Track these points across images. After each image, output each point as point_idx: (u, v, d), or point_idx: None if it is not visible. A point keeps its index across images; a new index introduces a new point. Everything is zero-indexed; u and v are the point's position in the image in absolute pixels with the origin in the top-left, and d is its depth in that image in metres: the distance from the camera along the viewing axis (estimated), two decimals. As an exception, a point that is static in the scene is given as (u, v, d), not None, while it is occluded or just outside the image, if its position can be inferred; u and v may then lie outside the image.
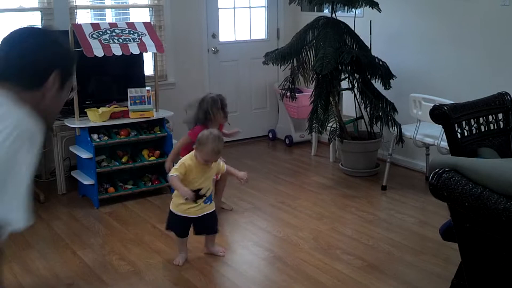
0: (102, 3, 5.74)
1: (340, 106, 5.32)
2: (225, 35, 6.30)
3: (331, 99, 5.07)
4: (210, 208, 3.67)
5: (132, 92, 4.78)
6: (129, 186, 4.78)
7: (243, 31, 6.43)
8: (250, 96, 6.53)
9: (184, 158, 3.65)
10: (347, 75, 5.15)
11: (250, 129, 6.56)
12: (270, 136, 6.65)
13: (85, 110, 4.71)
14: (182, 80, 5.95)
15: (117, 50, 4.58)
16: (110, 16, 5.84)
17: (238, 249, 3.95)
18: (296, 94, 5.44)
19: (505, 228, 2.01)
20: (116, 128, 4.72)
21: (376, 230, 4.12)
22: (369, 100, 5.03)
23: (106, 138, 4.66)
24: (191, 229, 3.68)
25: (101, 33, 4.64)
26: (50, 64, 1.60)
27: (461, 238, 2.35)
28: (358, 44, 5.05)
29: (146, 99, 4.79)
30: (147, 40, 4.80)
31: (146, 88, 4.92)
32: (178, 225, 3.64)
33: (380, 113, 4.96)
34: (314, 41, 5.04)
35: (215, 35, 6.18)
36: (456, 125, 2.54)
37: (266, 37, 6.52)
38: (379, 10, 4.92)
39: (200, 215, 3.61)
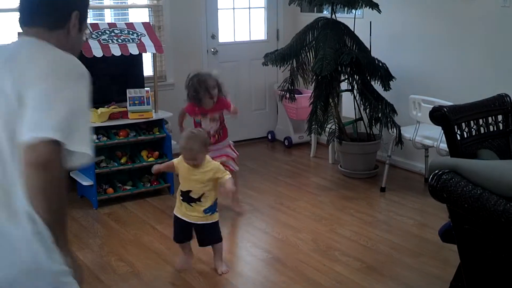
0: (101, 3, 5.73)
1: (339, 107, 5.32)
2: (225, 36, 6.30)
3: (330, 100, 5.07)
4: (211, 219, 3.50)
5: (131, 92, 4.77)
6: (128, 187, 4.77)
7: (243, 32, 6.43)
8: (249, 97, 6.53)
9: None
10: (346, 77, 5.15)
11: (249, 130, 6.55)
12: (269, 137, 6.65)
13: (84, 111, 4.69)
14: (181, 81, 5.89)
15: (116, 51, 4.57)
16: (109, 16, 5.83)
17: (237, 250, 3.95)
18: (296, 95, 5.44)
19: (504, 229, 2.00)
20: (115, 128, 4.72)
21: (375, 231, 4.12)
22: (368, 102, 5.03)
23: (105, 138, 4.65)
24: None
25: (100, 33, 4.63)
26: (71, 4, 1.77)
27: (460, 239, 2.34)
28: (358, 45, 5.05)
29: (145, 100, 4.79)
30: (146, 40, 4.79)
31: (145, 88, 4.92)
32: (174, 227, 3.61)
33: (380, 115, 4.95)
34: (313, 42, 5.03)
35: (214, 36, 6.18)
36: (455, 126, 2.54)
37: (266, 38, 6.52)
38: (379, 11, 4.92)
39: (199, 223, 3.48)
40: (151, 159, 4.82)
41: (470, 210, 2.08)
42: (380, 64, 4.95)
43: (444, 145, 4.01)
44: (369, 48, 5.11)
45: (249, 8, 6.42)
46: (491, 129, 2.69)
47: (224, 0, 6.21)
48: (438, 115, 2.55)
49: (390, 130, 4.91)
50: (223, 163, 4.33)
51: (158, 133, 4.85)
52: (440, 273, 3.45)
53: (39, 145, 1.47)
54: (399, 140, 4.83)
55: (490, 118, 2.69)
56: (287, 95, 5.34)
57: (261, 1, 6.48)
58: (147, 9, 5.81)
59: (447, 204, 2.24)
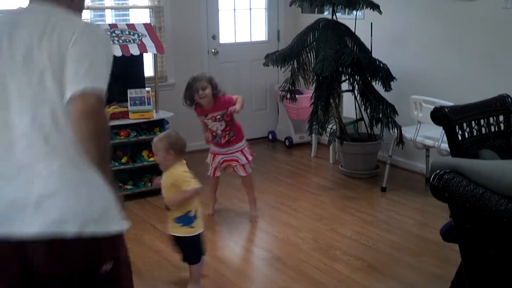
0: (102, 4, 5.74)
1: (340, 107, 5.33)
2: (225, 36, 6.31)
3: (331, 100, 5.08)
4: (186, 232, 3.24)
5: (132, 93, 4.78)
6: (129, 187, 4.78)
7: (244, 32, 6.44)
8: (250, 97, 6.53)
9: None
10: (347, 77, 5.16)
11: (250, 131, 6.53)
12: (270, 137, 6.66)
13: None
14: (182, 81, 5.89)
15: (117, 51, 4.58)
16: (110, 17, 5.84)
17: (238, 250, 3.96)
18: (296, 95, 5.44)
19: (506, 229, 2.01)
20: (116, 128, 4.72)
21: (376, 231, 4.13)
22: (369, 102, 5.04)
23: (106, 138, 4.65)
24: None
25: (101, 33, 4.63)
26: None
27: (461, 239, 2.35)
28: (359, 46, 5.06)
29: (146, 100, 4.80)
30: (147, 41, 4.80)
31: (146, 89, 4.93)
32: None
33: (380, 115, 4.96)
34: (314, 43, 5.04)
35: (215, 37, 6.19)
36: (457, 127, 2.55)
37: (267, 39, 6.53)
38: (380, 12, 4.92)
39: (175, 235, 3.28)
40: (151, 159, 4.82)
41: (471, 209, 2.08)
42: (381, 65, 4.96)
43: (445, 145, 4.01)
44: (370, 48, 5.11)
45: (250, 9, 6.43)
46: (492, 129, 2.70)
47: (225, 1, 6.22)
48: (439, 116, 2.56)
49: (391, 130, 4.92)
50: (232, 168, 4.36)
51: (159, 133, 4.84)
52: (441, 273, 3.45)
53: (87, 96, 1.70)
54: (400, 140, 4.83)
55: (491, 119, 2.70)
56: (288, 96, 5.35)
57: (262, 2, 6.49)
58: (148, 10, 5.81)
59: (448, 203, 2.25)
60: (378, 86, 5.05)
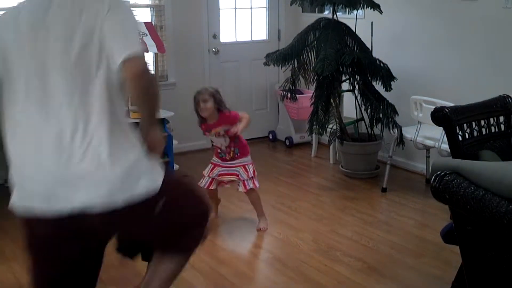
0: (103, 3, 5.73)
1: (340, 107, 5.32)
2: (226, 35, 6.30)
3: (331, 100, 5.07)
4: None
5: (132, 92, 4.77)
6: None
7: (244, 32, 6.43)
8: (250, 97, 6.53)
9: None
10: (348, 77, 5.15)
11: (250, 130, 6.51)
12: (270, 137, 6.65)
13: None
14: (183, 81, 5.95)
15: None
16: (111, 16, 5.83)
17: (237, 250, 3.95)
18: (297, 95, 5.43)
19: (506, 231, 2.00)
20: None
21: (376, 232, 4.12)
22: (369, 102, 5.03)
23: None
24: None
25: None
26: None
27: (462, 241, 2.34)
28: (359, 46, 5.05)
29: (147, 99, 4.78)
30: (148, 40, 4.79)
31: (147, 88, 4.91)
32: None
33: (381, 115, 4.95)
34: (315, 42, 5.03)
35: (216, 36, 6.18)
36: (457, 127, 2.54)
37: (267, 38, 6.52)
38: (381, 12, 4.92)
39: None
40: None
41: (472, 211, 2.07)
42: (382, 65, 4.95)
43: (445, 146, 4.00)
44: (370, 48, 5.11)
45: (251, 8, 6.42)
46: (493, 130, 2.69)
47: (225, 0, 6.21)
48: (439, 116, 2.55)
49: (391, 130, 4.91)
50: (233, 182, 4.24)
51: (159, 132, 4.84)
52: (441, 274, 3.45)
53: (135, 59, 1.95)
54: (401, 140, 4.82)
55: (491, 119, 2.69)
56: (288, 95, 5.34)
57: (263, 1, 6.48)
58: (149, 9, 5.81)
59: (449, 205, 2.24)
60: (378, 86, 5.04)
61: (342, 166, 5.41)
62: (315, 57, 4.99)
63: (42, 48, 1.99)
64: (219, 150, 4.21)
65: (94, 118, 1.96)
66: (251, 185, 4.16)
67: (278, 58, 5.10)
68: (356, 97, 5.22)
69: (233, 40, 6.36)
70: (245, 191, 4.17)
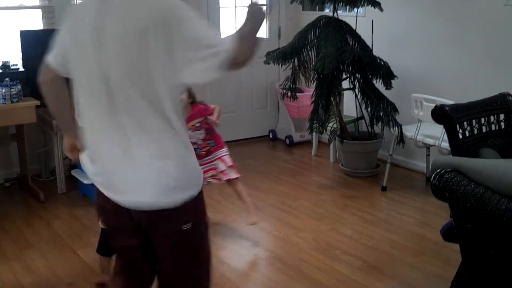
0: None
1: (341, 106, 5.31)
2: (226, 34, 6.27)
3: (332, 99, 5.06)
4: None
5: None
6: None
7: (244, 30, 6.41)
8: (250, 95, 6.53)
9: None
10: (348, 75, 5.15)
11: (250, 129, 6.55)
12: (271, 136, 6.64)
13: (85, 109, 4.70)
14: (183, 80, 5.93)
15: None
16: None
17: (238, 249, 3.95)
18: (297, 94, 5.43)
19: (506, 228, 2.00)
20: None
21: (376, 230, 4.12)
22: (370, 100, 5.02)
23: (106, 137, 4.65)
24: None
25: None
26: None
27: (462, 238, 2.34)
28: (360, 44, 5.05)
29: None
30: (148, 39, 4.78)
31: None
32: None
33: (381, 113, 4.95)
34: (315, 41, 5.03)
35: (216, 35, 6.16)
36: (457, 125, 2.53)
37: (267, 36, 6.51)
38: (381, 10, 4.91)
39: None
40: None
41: (472, 209, 2.07)
42: (382, 63, 4.94)
43: (445, 144, 3.99)
44: (370, 46, 5.10)
45: (251, 6, 6.40)
46: (493, 128, 2.68)
47: (225, -2, 6.21)
48: (440, 114, 2.54)
49: (391, 129, 4.90)
50: (216, 178, 4.13)
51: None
52: (441, 272, 3.44)
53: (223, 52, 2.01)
54: (401, 138, 4.82)
55: (492, 117, 2.68)
56: (289, 94, 5.33)
57: (263, -1, 6.47)
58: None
59: (449, 203, 2.24)
60: (379, 84, 5.04)
61: (342, 165, 5.41)
62: (316, 55, 4.99)
63: (101, 57, 1.97)
64: (195, 146, 4.15)
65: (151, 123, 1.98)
66: (233, 175, 4.08)
67: (278, 56, 5.09)
68: (356, 96, 5.22)
69: (233, 38, 6.34)
70: (226, 179, 4.07)
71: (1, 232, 4.15)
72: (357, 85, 5.14)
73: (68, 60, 2.08)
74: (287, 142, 6.36)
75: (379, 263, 3.62)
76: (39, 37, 4.93)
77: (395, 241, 3.92)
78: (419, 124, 4.54)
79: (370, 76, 5.03)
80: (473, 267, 2.33)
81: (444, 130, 2.63)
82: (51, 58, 2.18)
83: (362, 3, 4.94)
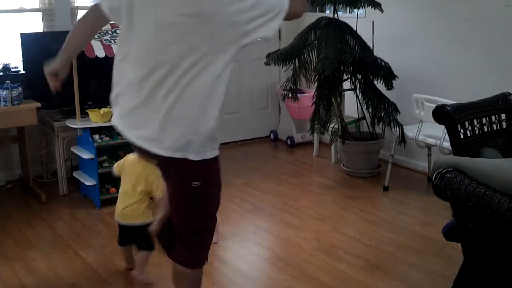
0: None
1: (342, 106, 5.32)
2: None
3: (333, 99, 5.07)
4: (142, 219, 3.46)
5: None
6: (131, 187, 4.77)
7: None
8: (251, 96, 6.53)
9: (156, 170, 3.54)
10: (349, 76, 5.15)
11: (251, 130, 6.56)
12: (272, 137, 6.65)
13: (86, 111, 4.71)
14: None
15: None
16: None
17: (239, 249, 3.95)
18: (298, 94, 5.43)
19: (508, 228, 2.00)
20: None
21: (378, 230, 4.12)
22: (371, 101, 5.02)
23: (107, 138, 4.66)
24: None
25: (102, 33, 4.63)
26: None
27: (464, 238, 2.34)
28: (360, 45, 5.05)
29: (148, 100, 4.78)
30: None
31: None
32: None
33: (382, 114, 4.95)
34: (316, 42, 5.03)
35: (216, 36, 6.16)
36: (459, 125, 2.54)
37: (268, 38, 6.50)
38: (381, 11, 4.92)
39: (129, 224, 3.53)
40: (153, 159, 4.81)
41: (473, 208, 2.08)
42: (383, 63, 4.95)
43: (447, 144, 4.00)
44: (371, 47, 5.10)
45: (251, 7, 6.40)
46: (494, 127, 2.69)
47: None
48: (441, 114, 2.55)
49: (393, 129, 4.90)
50: None
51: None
52: (443, 272, 3.44)
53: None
54: (402, 139, 4.82)
55: (493, 117, 2.69)
56: (290, 95, 5.33)
57: (263, 0, 6.46)
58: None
59: (450, 202, 2.24)
60: (379, 84, 5.04)
61: (343, 165, 5.41)
62: (316, 56, 4.98)
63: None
64: None
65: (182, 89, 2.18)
66: None
67: (279, 57, 5.10)
68: (357, 96, 5.22)
69: (234, 40, 6.34)
70: None
71: (3, 234, 4.15)
72: (358, 85, 5.14)
73: (120, 16, 2.29)
74: (289, 142, 6.37)
75: (381, 263, 3.62)
76: (40, 39, 4.95)
77: (397, 241, 3.92)
78: (421, 124, 4.54)
79: (371, 77, 5.03)
80: (475, 266, 2.33)
81: (445, 130, 2.63)
82: (105, 2, 2.34)
83: (362, 4, 4.94)
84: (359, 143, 5.24)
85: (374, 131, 5.24)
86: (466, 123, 2.57)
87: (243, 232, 4.20)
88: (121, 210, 3.45)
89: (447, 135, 2.61)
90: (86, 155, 4.60)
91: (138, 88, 2.21)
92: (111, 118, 4.75)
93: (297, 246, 3.90)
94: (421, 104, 4.48)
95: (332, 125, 5.11)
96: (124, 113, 2.33)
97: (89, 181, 4.63)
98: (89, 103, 4.89)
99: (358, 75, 5.08)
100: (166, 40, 2.15)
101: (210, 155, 2.27)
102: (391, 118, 4.91)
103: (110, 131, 4.69)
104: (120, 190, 3.50)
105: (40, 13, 5.23)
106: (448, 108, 2.53)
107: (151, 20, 2.17)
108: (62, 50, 2.45)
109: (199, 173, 2.28)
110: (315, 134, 5.48)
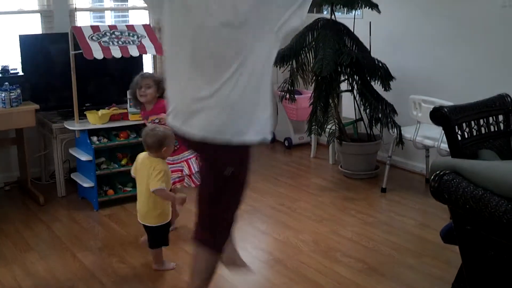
0: (102, 5, 5.73)
1: (339, 108, 5.32)
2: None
3: (330, 101, 5.07)
4: (158, 220, 3.63)
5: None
6: (129, 189, 4.77)
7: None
8: (249, 98, 6.51)
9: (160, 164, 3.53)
10: (346, 77, 5.15)
11: (249, 131, 6.54)
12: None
13: (84, 113, 4.70)
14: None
15: (116, 53, 4.57)
16: (109, 19, 5.83)
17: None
18: (295, 96, 5.44)
19: (506, 230, 2.00)
20: (116, 130, 4.72)
21: (376, 232, 4.12)
22: (368, 102, 5.03)
23: (105, 140, 4.65)
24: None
25: (100, 35, 4.63)
26: None
27: (462, 240, 2.34)
28: (358, 46, 5.05)
29: (146, 101, 4.78)
30: (146, 42, 4.79)
31: (146, 90, 4.90)
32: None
33: (380, 115, 4.95)
34: (313, 43, 5.03)
35: (214, 37, 6.16)
36: (456, 127, 2.54)
37: (266, 39, 6.51)
38: (379, 12, 4.92)
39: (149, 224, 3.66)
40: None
41: (471, 210, 2.08)
42: (380, 64, 4.95)
43: (444, 145, 4.00)
44: (368, 48, 5.10)
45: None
46: (492, 129, 2.69)
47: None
48: (438, 115, 2.55)
49: (390, 130, 4.91)
50: (182, 181, 4.08)
51: (158, 134, 4.84)
52: (441, 274, 3.44)
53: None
54: (400, 140, 4.82)
55: (491, 118, 2.69)
56: (287, 96, 5.34)
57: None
58: (147, 11, 5.80)
59: (448, 205, 2.24)
60: (377, 86, 5.04)
61: (341, 167, 5.41)
62: (314, 57, 4.99)
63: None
64: None
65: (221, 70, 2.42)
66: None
67: (276, 58, 5.08)
68: (355, 97, 5.22)
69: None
70: (194, 186, 4.01)
71: (1, 235, 4.15)
72: (356, 87, 5.14)
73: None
74: (286, 144, 6.36)
75: (379, 265, 3.62)
76: (38, 41, 4.95)
77: (395, 243, 3.92)
78: (418, 125, 4.54)
79: (368, 78, 5.03)
80: (473, 269, 2.33)
81: (443, 131, 2.63)
82: None
83: (359, 5, 4.94)
84: (356, 145, 5.25)
85: (371, 133, 5.24)
86: (464, 124, 2.57)
87: (240, 234, 4.19)
88: (138, 210, 3.59)
89: (444, 136, 2.61)
90: (84, 157, 4.60)
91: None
92: (109, 119, 4.78)
93: (295, 248, 3.90)
94: (418, 105, 4.48)
95: (329, 126, 5.11)
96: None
97: (87, 183, 4.63)
98: (87, 104, 4.89)
99: (355, 76, 5.09)
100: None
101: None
102: (389, 119, 4.92)
103: (108, 132, 4.68)
104: (137, 190, 3.66)
105: (39, 14, 5.22)
106: (446, 110, 2.53)
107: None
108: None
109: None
110: (312, 136, 5.48)
